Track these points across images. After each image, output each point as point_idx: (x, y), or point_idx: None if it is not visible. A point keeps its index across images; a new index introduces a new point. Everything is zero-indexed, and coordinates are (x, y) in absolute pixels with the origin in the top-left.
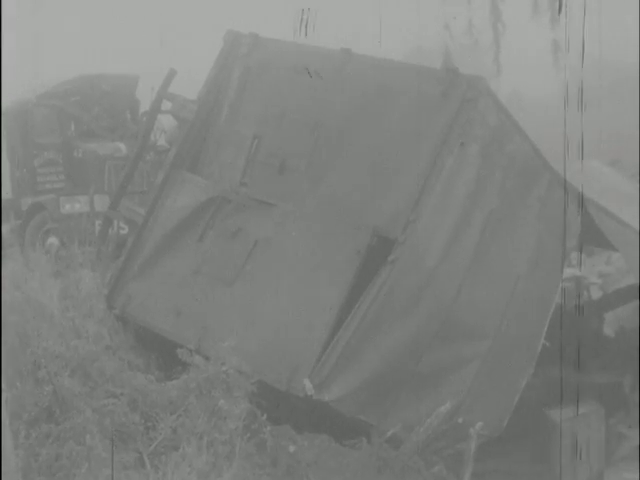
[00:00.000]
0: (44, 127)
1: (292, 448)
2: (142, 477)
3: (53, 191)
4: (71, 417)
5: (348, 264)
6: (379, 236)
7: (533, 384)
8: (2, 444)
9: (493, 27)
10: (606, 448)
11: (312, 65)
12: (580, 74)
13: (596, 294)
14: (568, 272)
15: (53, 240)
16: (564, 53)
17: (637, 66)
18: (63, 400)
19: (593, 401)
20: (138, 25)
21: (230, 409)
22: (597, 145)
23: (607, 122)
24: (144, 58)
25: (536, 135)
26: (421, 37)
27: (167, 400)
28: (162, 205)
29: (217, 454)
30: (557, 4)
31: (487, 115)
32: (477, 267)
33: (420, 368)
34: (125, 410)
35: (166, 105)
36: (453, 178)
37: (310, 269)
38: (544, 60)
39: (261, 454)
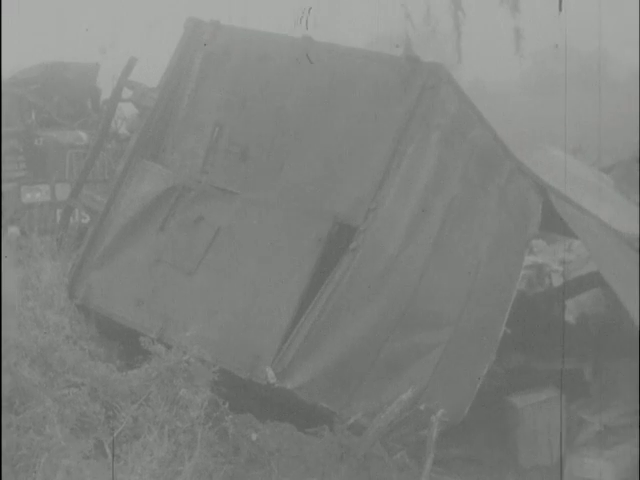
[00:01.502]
0: (4, 115)
1: (254, 436)
2: (103, 466)
3: (14, 180)
4: (31, 407)
5: (310, 252)
6: (340, 224)
7: (494, 371)
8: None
9: (453, 15)
10: (567, 434)
11: (273, 52)
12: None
13: (557, 281)
14: (529, 259)
15: (14, 230)
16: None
17: (598, 54)
18: (23, 390)
19: (554, 387)
20: (102, 13)
21: (191, 398)
22: (558, 133)
23: (568, 110)
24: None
25: (498, 123)
26: (383, 26)
27: (128, 389)
28: (123, 194)
29: (178, 443)
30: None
31: (448, 103)
32: (438, 255)
33: (382, 355)
34: (86, 400)
35: (127, 93)
36: (414, 166)
37: (272, 257)
38: (506, 48)
39: (223, 442)
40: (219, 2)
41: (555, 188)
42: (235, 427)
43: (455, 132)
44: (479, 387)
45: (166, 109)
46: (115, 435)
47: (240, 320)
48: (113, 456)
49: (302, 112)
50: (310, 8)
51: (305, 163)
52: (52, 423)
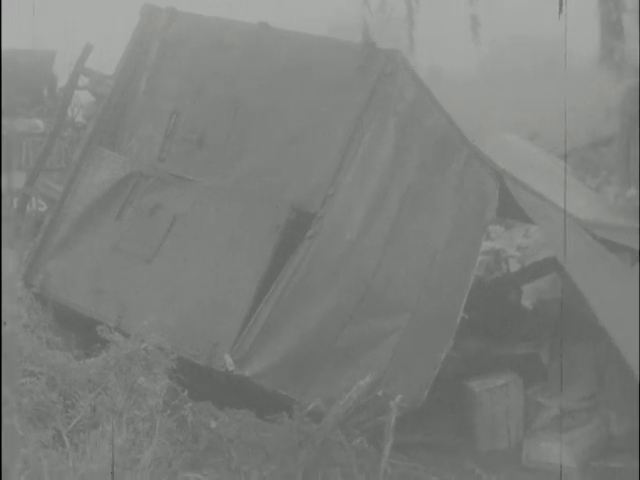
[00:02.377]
0: None
1: (213, 424)
2: (61, 456)
3: None
4: None
5: (267, 239)
6: (298, 211)
7: (452, 356)
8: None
9: (407, 3)
10: (525, 418)
11: (230, 39)
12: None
13: (514, 267)
14: (487, 245)
15: None
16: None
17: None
18: None
19: (512, 372)
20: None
21: (150, 386)
22: (515, 119)
23: (525, 97)
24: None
25: (454, 110)
26: (342, 12)
27: (86, 378)
28: (80, 182)
29: (137, 431)
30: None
31: (405, 89)
32: (396, 241)
33: (340, 342)
34: (44, 389)
35: (84, 81)
36: (371, 152)
37: (229, 244)
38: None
39: (182, 430)
40: None
41: (512, 174)
42: (194, 415)
43: (412, 118)
44: (437, 372)
45: (123, 96)
46: (73, 424)
47: (198, 307)
48: (71, 445)
49: (259, 99)
50: None
51: (262, 150)
52: (10, 412)
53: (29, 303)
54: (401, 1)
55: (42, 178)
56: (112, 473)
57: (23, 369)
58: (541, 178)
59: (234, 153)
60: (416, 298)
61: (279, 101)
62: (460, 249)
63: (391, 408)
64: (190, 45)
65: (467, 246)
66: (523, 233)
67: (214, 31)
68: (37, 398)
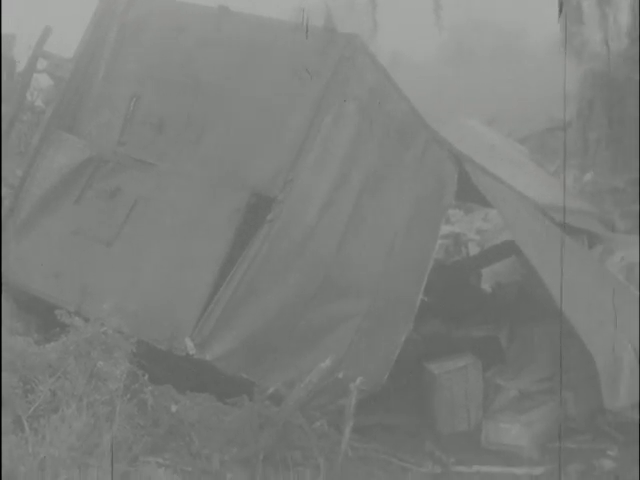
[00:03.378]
0: None
1: (174, 408)
2: (21, 441)
3: None
4: None
5: (228, 223)
6: (258, 195)
7: (412, 339)
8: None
9: None
10: (484, 400)
11: (190, 23)
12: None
13: (474, 250)
14: (446, 229)
15: None
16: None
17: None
18: None
19: (471, 354)
20: None
21: (110, 370)
22: (474, 104)
23: (484, 82)
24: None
25: (414, 94)
26: None
27: (46, 363)
28: (39, 166)
29: (97, 415)
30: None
31: (365, 73)
32: (356, 225)
33: (301, 325)
34: (3, 374)
35: (43, 64)
36: (331, 137)
37: (190, 228)
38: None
39: (142, 414)
40: None
41: (471, 158)
42: (154, 399)
43: (372, 103)
44: (397, 355)
45: (82, 80)
46: (33, 409)
47: (159, 291)
48: (31, 430)
49: (219, 83)
50: None
51: (223, 134)
52: None
53: None
54: None
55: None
56: (73, 458)
57: None
58: (500, 162)
59: (194, 137)
60: (376, 281)
61: (239, 85)
62: (420, 233)
63: (351, 391)
64: (149, 29)
65: (427, 230)
66: (482, 217)
67: (173, 15)
68: None
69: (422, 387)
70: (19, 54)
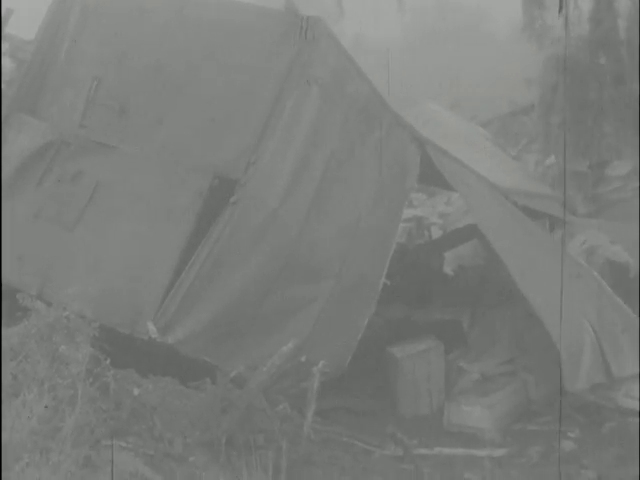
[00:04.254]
0: None
1: (136, 391)
2: None
3: None
4: None
5: (190, 206)
6: (221, 177)
7: (375, 322)
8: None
9: None
10: (446, 383)
11: (152, 5)
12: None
13: (436, 234)
14: (409, 213)
15: None
16: None
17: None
18: None
19: (433, 338)
20: None
21: (72, 354)
22: (437, 88)
23: (448, 66)
24: None
25: (378, 78)
26: None
27: (7, 346)
28: (0, 149)
29: (59, 399)
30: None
31: (327, 56)
32: (319, 208)
33: (264, 309)
34: None
35: (4, 46)
36: (294, 119)
37: (152, 211)
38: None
39: (104, 398)
40: None
41: (433, 142)
42: (117, 382)
43: (334, 86)
44: (360, 338)
45: (43, 63)
46: None
47: (121, 275)
48: None
49: (182, 65)
50: None
51: (185, 117)
52: None
53: None
54: None
55: None
56: (35, 442)
57: None
58: (462, 146)
59: (156, 120)
60: (339, 265)
61: (202, 67)
62: (382, 216)
63: (314, 374)
64: (111, 11)
65: (389, 213)
66: (445, 201)
67: None
68: None
69: (385, 370)
70: None
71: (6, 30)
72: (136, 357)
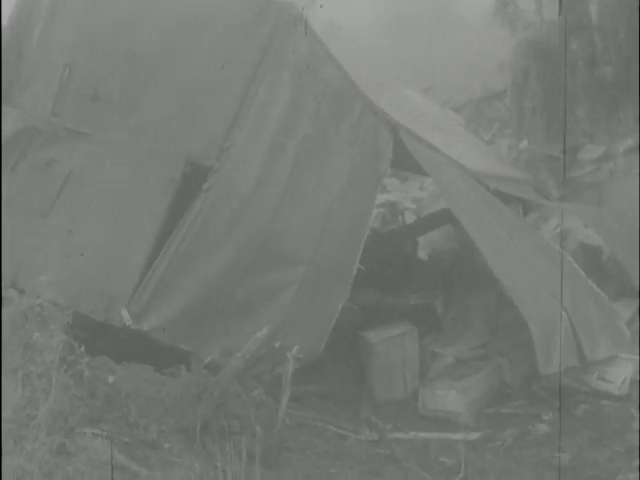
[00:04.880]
0: None
1: (111, 378)
2: None
3: None
4: None
5: (163, 192)
6: (193, 164)
7: (349, 307)
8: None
9: None
10: (420, 367)
11: None
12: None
13: (410, 219)
14: (382, 198)
15: None
16: None
17: None
18: None
19: (407, 322)
20: None
21: (46, 342)
22: (410, 73)
23: (421, 51)
24: None
25: (350, 63)
26: None
27: None
28: None
29: (33, 388)
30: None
31: (299, 42)
32: (291, 193)
33: (238, 295)
34: None
35: None
36: (266, 105)
37: (125, 198)
38: None
39: (79, 386)
40: None
41: (406, 126)
42: (91, 370)
43: (306, 71)
44: (334, 324)
45: (15, 49)
46: None
47: (95, 262)
48: None
49: (155, 51)
50: None
51: (157, 103)
52: None
53: None
54: None
55: None
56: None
57: None
58: (435, 131)
59: (129, 106)
60: (312, 250)
61: (175, 53)
62: (355, 201)
63: (288, 359)
64: None
65: (362, 198)
66: (418, 185)
67: None
68: None
69: (359, 355)
70: None
71: None
72: (110, 344)
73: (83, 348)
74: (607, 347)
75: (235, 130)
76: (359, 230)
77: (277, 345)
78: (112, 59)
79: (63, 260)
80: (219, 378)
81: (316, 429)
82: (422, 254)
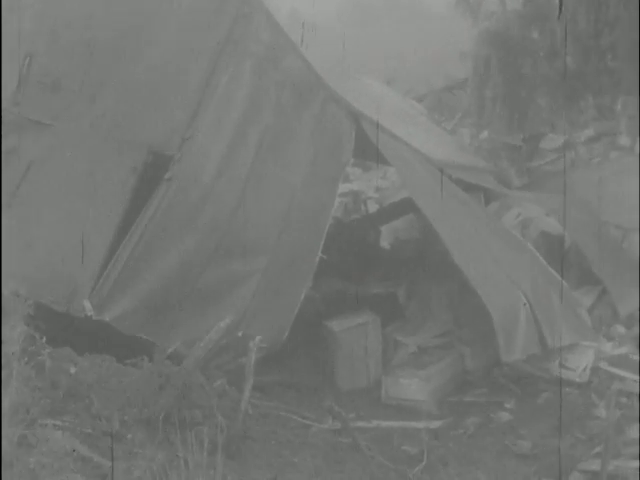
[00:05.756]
0: None
1: (73, 369)
2: None
3: None
4: None
5: (124, 182)
6: (155, 153)
7: (312, 297)
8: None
9: None
10: (383, 356)
11: None
12: None
13: (373, 208)
14: (345, 187)
15: None
16: None
17: None
18: None
19: (370, 311)
20: None
21: (6, 333)
22: (373, 63)
23: (383, 41)
24: None
25: (313, 53)
26: None
27: None
28: None
29: None
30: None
31: (261, 31)
32: (254, 183)
33: (200, 285)
34: None
35: None
36: (228, 94)
37: (87, 188)
38: None
39: (40, 377)
40: None
41: (368, 116)
42: (52, 361)
43: (268, 61)
44: (297, 313)
45: None
46: None
47: (56, 253)
48: None
49: (116, 42)
50: None
51: (119, 93)
52: None
53: None
54: None
55: None
56: None
57: None
58: (397, 120)
59: (90, 96)
60: (275, 239)
61: (136, 43)
62: (317, 190)
63: (250, 349)
64: None
65: (324, 187)
66: (381, 175)
67: None
68: None
69: (322, 344)
70: None
71: None
72: (72, 335)
73: (44, 339)
74: (568, 335)
75: (197, 119)
76: (321, 219)
77: (240, 335)
78: (72, 49)
79: (24, 250)
80: (182, 368)
81: (279, 418)
82: (385, 243)
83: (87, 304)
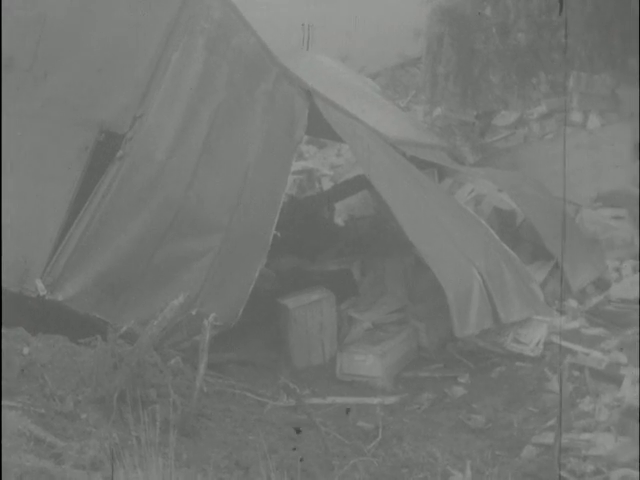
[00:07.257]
0: None
1: (26, 350)
2: None
3: None
4: None
5: (76, 161)
6: (107, 132)
7: (266, 274)
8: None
9: None
10: (338, 332)
11: None
12: None
13: (327, 185)
14: (300, 164)
15: None
16: None
17: None
18: None
19: (324, 288)
20: None
21: None
22: (326, 40)
23: (336, 18)
24: None
25: (265, 30)
26: None
27: None
28: None
29: None
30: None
31: (212, 9)
32: (207, 160)
33: (154, 263)
34: None
35: None
36: (180, 72)
37: (38, 168)
38: None
39: None
40: None
41: (321, 93)
42: (6, 341)
43: (220, 38)
44: (251, 290)
45: None
46: None
47: (7, 233)
48: None
49: (66, 19)
50: None
51: (70, 72)
52: None
53: None
54: None
55: None
56: None
57: None
58: (351, 98)
59: (41, 75)
60: (228, 217)
61: (87, 20)
62: (271, 168)
63: (205, 327)
64: None
65: (278, 165)
66: (335, 152)
67: None
68: None
69: (277, 322)
70: None
71: None
72: (25, 315)
73: None
74: (521, 309)
75: (149, 98)
76: (275, 197)
77: (194, 313)
78: (23, 27)
79: None
80: (135, 347)
81: (234, 396)
82: (339, 220)
83: (40, 284)
